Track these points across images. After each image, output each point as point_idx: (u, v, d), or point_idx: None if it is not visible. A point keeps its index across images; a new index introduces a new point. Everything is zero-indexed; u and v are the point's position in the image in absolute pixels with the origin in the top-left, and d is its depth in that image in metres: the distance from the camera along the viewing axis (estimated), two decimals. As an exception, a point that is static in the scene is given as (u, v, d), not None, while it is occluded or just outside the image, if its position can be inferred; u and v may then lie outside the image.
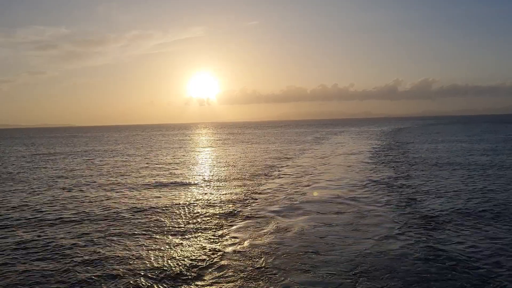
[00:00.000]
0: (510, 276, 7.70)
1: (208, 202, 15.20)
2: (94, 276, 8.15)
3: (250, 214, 13.07)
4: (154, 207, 14.29)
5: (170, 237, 10.68)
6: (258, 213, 13.16)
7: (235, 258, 9.02)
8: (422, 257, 8.68)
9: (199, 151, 41.77)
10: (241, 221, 12.16)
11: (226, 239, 10.40)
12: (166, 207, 14.32)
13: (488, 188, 16.20)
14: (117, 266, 8.63)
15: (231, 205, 14.43)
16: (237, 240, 10.26)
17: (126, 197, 16.40)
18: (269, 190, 17.25)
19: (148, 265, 8.66)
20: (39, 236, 11.00)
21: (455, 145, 38.34)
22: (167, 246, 9.88)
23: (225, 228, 11.45)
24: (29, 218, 13.04)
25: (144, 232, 11.13)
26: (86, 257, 9.19)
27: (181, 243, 10.10)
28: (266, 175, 21.83)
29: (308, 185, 18.34)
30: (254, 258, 8.96)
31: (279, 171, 23.62)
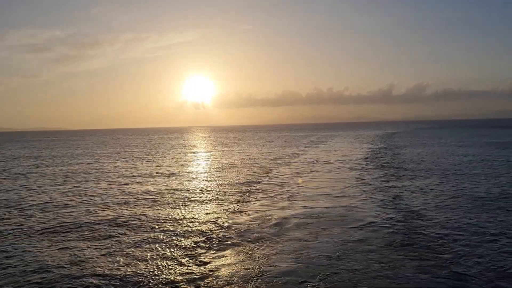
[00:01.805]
0: (478, 260, 8.90)
1: (207, 201, 16.57)
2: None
3: (245, 210, 14.38)
4: (141, 216, 13.71)
5: (160, 248, 10.15)
6: (253, 209, 14.47)
7: (231, 252, 10.23)
8: (398, 244, 9.94)
9: (195, 156, 42.92)
10: (236, 216, 13.47)
11: (222, 237, 11.58)
12: (154, 217, 13.60)
13: (464, 187, 17.73)
14: (115, 270, 8.90)
15: (228, 205, 15.73)
16: (229, 234, 11.55)
17: (122, 203, 16.23)
18: (266, 189, 18.64)
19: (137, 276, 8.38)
20: (16, 247, 10.53)
21: (440, 149, 40.14)
22: (153, 258, 9.43)
23: (221, 226, 12.65)
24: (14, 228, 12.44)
25: (129, 242, 10.69)
26: (78, 272, 8.66)
27: (175, 250, 10.00)
28: (262, 176, 23.20)
29: (301, 185, 19.77)
30: (246, 248, 10.20)
31: (275, 172, 25.03)
